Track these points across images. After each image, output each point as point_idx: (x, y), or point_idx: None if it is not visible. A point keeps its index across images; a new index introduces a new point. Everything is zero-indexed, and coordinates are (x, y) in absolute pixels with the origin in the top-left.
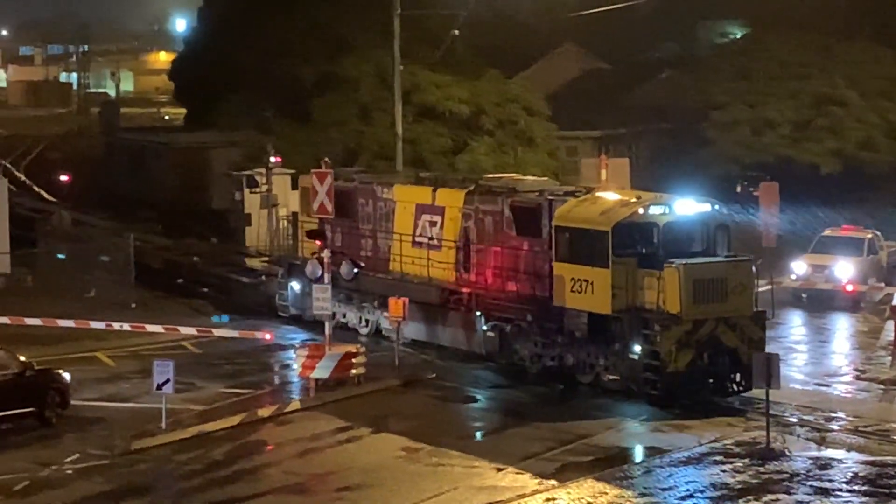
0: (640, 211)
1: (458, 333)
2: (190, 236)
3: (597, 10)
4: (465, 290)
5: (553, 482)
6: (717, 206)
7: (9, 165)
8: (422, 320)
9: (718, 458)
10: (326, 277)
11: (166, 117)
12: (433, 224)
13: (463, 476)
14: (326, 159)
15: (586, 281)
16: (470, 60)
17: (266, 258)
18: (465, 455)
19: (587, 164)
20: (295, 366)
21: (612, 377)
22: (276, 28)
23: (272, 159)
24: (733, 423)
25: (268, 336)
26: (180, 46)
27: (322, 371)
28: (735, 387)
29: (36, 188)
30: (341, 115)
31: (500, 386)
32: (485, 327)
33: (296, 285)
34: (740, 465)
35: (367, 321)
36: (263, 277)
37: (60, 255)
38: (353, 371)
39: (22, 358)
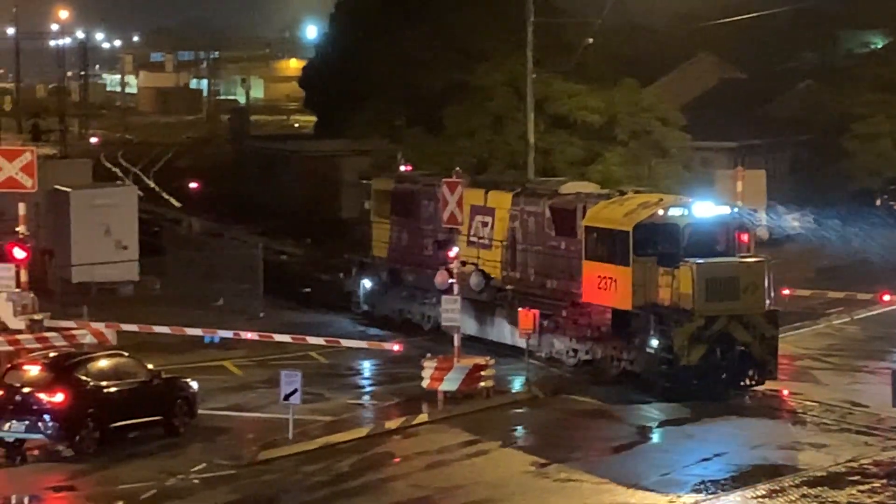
0: (661, 213)
1: (504, 329)
2: (288, 237)
3: (734, 18)
4: (509, 287)
5: (685, 501)
6: (736, 210)
7: (139, 172)
8: (474, 317)
9: (855, 477)
10: (456, 288)
11: (296, 125)
12: (485, 224)
13: (592, 493)
14: (458, 169)
15: (610, 278)
16: (604, 69)
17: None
18: (595, 471)
19: (722, 176)
20: (423, 377)
21: (636, 370)
22: (409, 36)
23: (402, 168)
24: (871, 443)
25: (396, 347)
26: (311, 53)
27: (450, 383)
28: (748, 381)
29: (165, 195)
30: (473, 125)
31: (632, 401)
32: None
33: (367, 283)
34: (878, 485)
35: (429, 317)
36: (341, 275)
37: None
38: (482, 384)
39: (150, 366)
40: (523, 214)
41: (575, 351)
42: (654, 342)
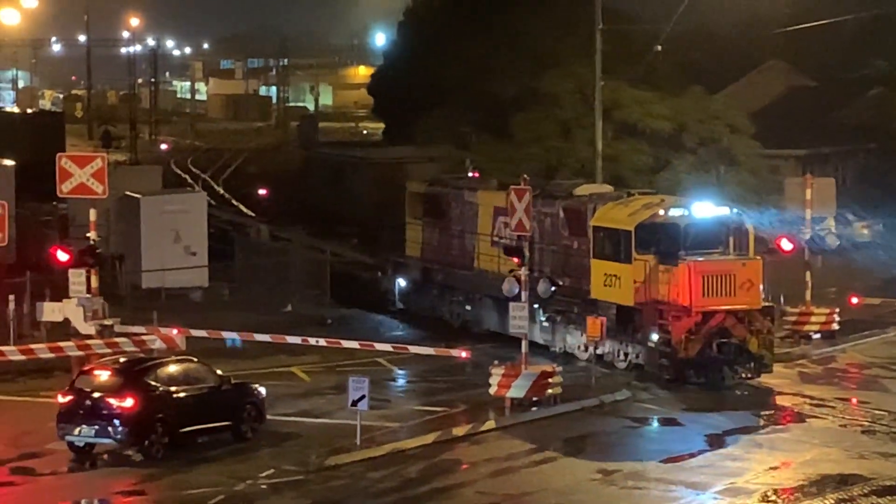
0: (661, 212)
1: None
2: (336, 238)
3: (803, 25)
4: None
5: None
6: (735, 210)
7: (208, 179)
8: (496, 312)
9: None
10: (524, 295)
11: (364, 132)
12: (506, 225)
13: (660, 500)
14: (525, 176)
15: (614, 276)
16: (672, 76)
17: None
18: (663, 478)
19: (791, 184)
20: (490, 384)
21: (641, 363)
22: (477, 43)
23: (470, 175)
24: None
25: (463, 354)
26: (380, 61)
27: (517, 390)
28: (744, 375)
29: (234, 202)
30: (541, 131)
31: (698, 409)
32: (542, 318)
33: (401, 281)
34: None
35: (457, 314)
36: (379, 274)
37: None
38: (549, 391)
39: (219, 372)
40: (540, 215)
41: (586, 346)
42: (655, 336)
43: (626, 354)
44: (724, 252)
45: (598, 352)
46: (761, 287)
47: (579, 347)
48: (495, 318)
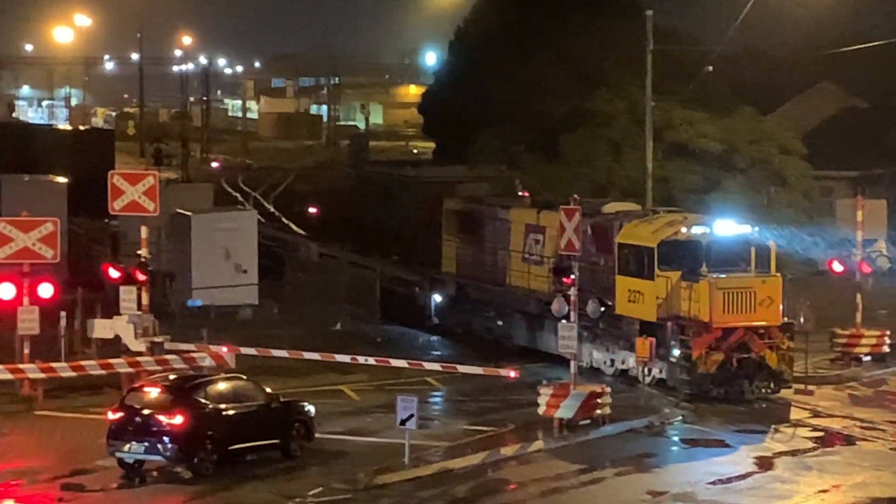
0: (684, 230)
1: (551, 339)
2: (378, 254)
3: (855, 47)
4: None
5: None
6: (756, 228)
7: (259, 197)
8: (525, 328)
9: None
10: (573, 315)
11: (415, 151)
12: (537, 242)
13: None
14: (575, 195)
15: (638, 292)
16: (723, 97)
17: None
18: (712, 500)
19: (842, 206)
20: (539, 404)
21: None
22: (528, 63)
23: (520, 194)
24: None
25: (512, 374)
26: (430, 80)
27: (567, 410)
28: (764, 390)
29: (284, 220)
30: (591, 151)
31: (747, 430)
32: None
33: (437, 297)
34: None
35: (489, 330)
36: (416, 290)
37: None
38: (598, 411)
39: (268, 390)
40: None
41: (612, 361)
42: (676, 351)
43: (649, 370)
44: (745, 269)
45: (624, 367)
46: (781, 305)
47: (605, 363)
48: (525, 333)
